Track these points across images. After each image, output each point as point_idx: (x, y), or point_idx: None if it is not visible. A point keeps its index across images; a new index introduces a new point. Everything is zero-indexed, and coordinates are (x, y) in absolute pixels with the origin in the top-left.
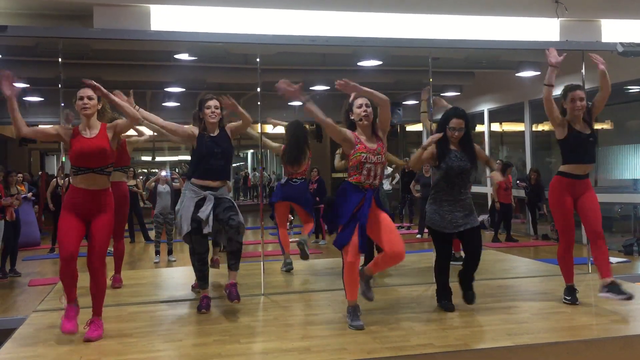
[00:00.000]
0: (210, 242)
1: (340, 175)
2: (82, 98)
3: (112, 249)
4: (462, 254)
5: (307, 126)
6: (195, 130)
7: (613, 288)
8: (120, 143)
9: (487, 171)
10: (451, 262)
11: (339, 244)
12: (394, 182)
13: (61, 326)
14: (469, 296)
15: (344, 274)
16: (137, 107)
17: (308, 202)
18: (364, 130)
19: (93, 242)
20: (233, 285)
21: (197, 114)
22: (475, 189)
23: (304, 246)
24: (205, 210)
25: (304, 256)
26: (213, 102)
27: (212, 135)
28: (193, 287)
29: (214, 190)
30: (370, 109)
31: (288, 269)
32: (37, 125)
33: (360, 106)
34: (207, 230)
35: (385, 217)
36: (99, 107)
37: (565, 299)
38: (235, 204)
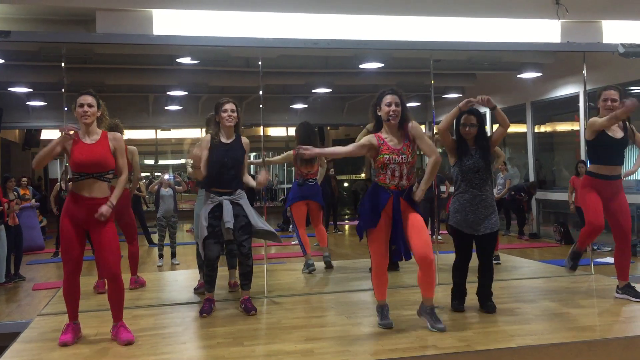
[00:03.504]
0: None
1: (343, 177)
2: (82, 105)
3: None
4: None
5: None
6: (206, 142)
7: (629, 290)
8: None
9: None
10: None
11: (359, 230)
12: None
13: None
14: (489, 307)
15: (372, 278)
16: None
17: (322, 201)
18: (391, 129)
19: (104, 253)
20: (247, 299)
21: (212, 117)
22: None
23: (329, 259)
24: (231, 220)
25: (329, 266)
26: (230, 106)
27: (224, 142)
28: (196, 289)
29: (228, 195)
30: (399, 108)
31: (311, 270)
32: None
33: (389, 104)
34: (231, 236)
35: (413, 219)
36: (99, 114)
37: (568, 262)
38: (252, 214)
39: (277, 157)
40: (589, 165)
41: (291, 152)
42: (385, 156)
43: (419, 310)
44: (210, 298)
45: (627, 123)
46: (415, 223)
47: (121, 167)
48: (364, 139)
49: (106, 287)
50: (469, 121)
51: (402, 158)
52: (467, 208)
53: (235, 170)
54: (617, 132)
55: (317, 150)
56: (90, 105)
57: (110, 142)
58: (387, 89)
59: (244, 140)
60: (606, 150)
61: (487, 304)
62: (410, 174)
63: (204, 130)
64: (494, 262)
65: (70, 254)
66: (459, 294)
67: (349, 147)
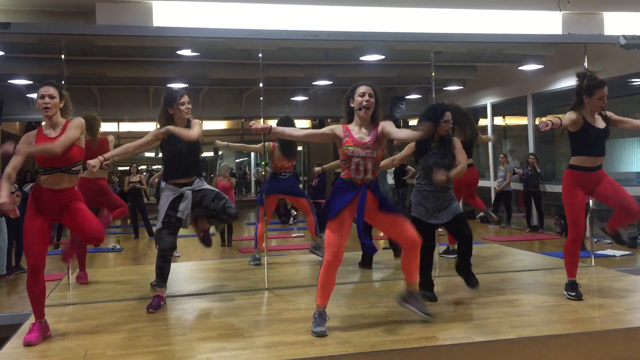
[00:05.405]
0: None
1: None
2: (43, 97)
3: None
4: (456, 247)
5: (311, 122)
6: (159, 133)
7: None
8: (101, 140)
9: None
10: (444, 255)
11: (371, 250)
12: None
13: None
14: (472, 282)
15: (320, 273)
16: (102, 157)
17: (300, 193)
18: (362, 121)
19: (85, 222)
20: (207, 230)
21: (165, 110)
22: (480, 183)
23: (318, 251)
24: (185, 210)
25: (315, 251)
26: (186, 98)
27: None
28: (152, 285)
29: (189, 185)
30: (372, 99)
31: (256, 264)
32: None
33: (362, 94)
34: (185, 226)
35: (388, 215)
36: (62, 105)
37: (569, 294)
38: (214, 189)
39: (253, 146)
40: (571, 158)
41: (270, 143)
42: (348, 148)
43: (401, 298)
44: (160, 295)
45: (605, 113)
46: (392, 217)
47: (60, 140)
48: (328, 127)
49: (87, 279)
50: (449, 117)
51: (366, 152)
52: (430, 200)
53: (192, 157)
54: (600, 123)
55: (261, 125)
56: (51, 97)
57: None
58: (362, 81)
59: (194, 122)
60: (591, 141)
61: (469, 279)
62: (375, 169)
63: (203, 122)
64: (450, 256)
65: (31, 249)
66: (427, 284)
67: (308, 131)
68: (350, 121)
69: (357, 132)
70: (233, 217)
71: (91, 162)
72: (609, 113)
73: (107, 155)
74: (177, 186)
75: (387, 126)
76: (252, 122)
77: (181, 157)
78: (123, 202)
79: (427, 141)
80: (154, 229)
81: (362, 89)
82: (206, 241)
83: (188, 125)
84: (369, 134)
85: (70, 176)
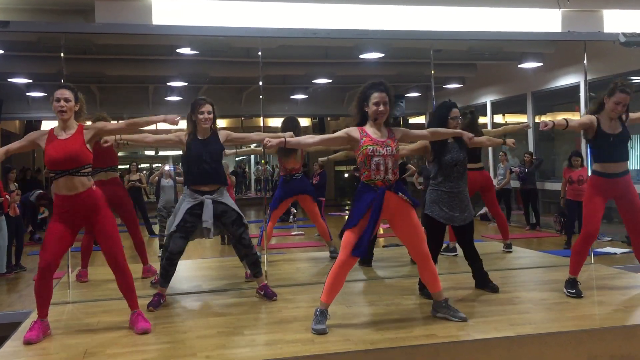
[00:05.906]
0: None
1: (342, 168)
2: (58, 100)
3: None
4: (455, 244)
5: (310, 120)
6: (183, 136)
7: None
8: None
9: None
10: (444, 253)
11: (359, 252)
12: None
13: (24, 336)
14: (492, 287)
15: (330, 271)
16: (119, 137)
17: (313, 192)
18: (376, 125)
19: (108, 243)
20: (265, 286)
21: (190, 115)
22: None
23: (336, 255)
24: (209, 219)
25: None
26: (206, 108)
27: (200, 138)
28: (152, 283)
29: (210, 193)
30: (387, 107)
31: None
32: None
33: (377, 104)
34: (210, 237)
35: (407, 218)
36: (77, 108)
37: (568, 292)
38: (237, 209)
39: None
40: (593, 164)
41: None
42: (369, 147)
43: (433, 309)
44: (160, 293)
45: (622, 116)
46: (413, 229)
47: (112, 128)
48: (343, 131)
49: (88, 277)
50: (458, 114)
51: (386, 150)
52: (445, 200)
53: (215, 165)
54: (616, 128)
55: (276, 141)
56: (67, 100)
57: (86, 132)
58: (376, 85)
59: (222, 133)
60: (609, 147)
61: (490, 285)
62: (395, 168)
63: None
64: (507, 250)
65: (45, 252)
66: None
67: (322, 137)
68: (362, 123)
69: (374, 132)
70: (247, 248)
71: (107, 137)
72: (627, 114)
73: (124, 136)
74: (198, 193)
75: (399, 129)
76: (266, 140)
77: (205, 164)
78: (137, 222)
79: (446, 139)
80: (165, 232)
81: (376, 96)
82: (270, 295)
83: (214, 135)
84: (386, 133)
85: (81, 178)
